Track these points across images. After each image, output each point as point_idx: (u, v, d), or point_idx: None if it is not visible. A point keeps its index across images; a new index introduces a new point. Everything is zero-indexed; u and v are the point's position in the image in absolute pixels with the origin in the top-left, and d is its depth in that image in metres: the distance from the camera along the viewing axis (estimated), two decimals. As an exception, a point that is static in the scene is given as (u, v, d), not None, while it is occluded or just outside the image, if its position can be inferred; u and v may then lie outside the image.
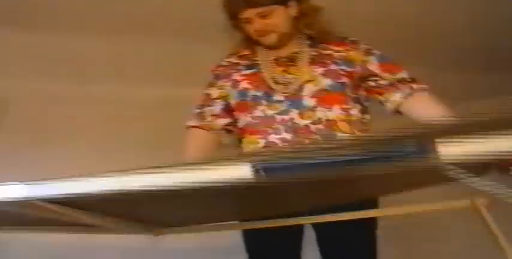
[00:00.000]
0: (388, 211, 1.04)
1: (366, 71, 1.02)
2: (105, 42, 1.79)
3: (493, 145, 0.32)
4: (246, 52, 1.10)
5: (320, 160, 0.35)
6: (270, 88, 1.01)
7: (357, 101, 1.01)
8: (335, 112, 0.96)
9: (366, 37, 1.07)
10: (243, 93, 1.03)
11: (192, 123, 1.10)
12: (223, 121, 1.08)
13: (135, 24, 1.70)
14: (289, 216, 0.85)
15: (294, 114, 0.95)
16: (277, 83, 1.01)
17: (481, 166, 0.48)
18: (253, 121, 1.00)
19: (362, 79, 1.02)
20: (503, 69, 2.18)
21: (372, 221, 0.96)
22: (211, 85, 1.14)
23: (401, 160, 0.33)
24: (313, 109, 0.95)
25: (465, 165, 0.33)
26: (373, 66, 1.02)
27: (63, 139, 1.88)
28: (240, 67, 1.08)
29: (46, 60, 1.83)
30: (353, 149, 0.34)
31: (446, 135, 0.33)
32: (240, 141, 1.06)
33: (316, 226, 0.95)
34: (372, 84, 1.02)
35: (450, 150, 0.32)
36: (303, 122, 0.95)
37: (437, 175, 0.35)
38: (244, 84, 1.04)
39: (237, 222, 1.00)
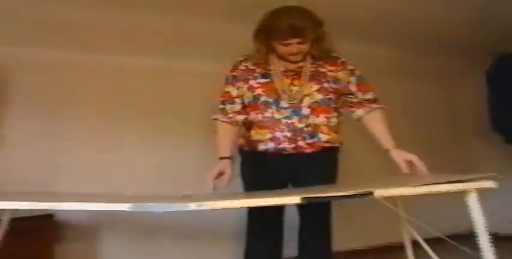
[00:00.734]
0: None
1: (347, 89, 1.40)
2: (106, 13, 1.85)
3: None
4: (261, 61, 1.38)
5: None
6: (279, 96, 1.33)
7: (336, 109, 1.38)
8: (321, 119, 1.32)
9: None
10: (257, 97, 1.34)
11: (218, 117, 1.39)
12: (242, 117, 1.38)
13: None
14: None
15: (295, 120, 1.31)
16: (284, 92, 1.33)
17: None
18: (264, 120, 1.32)
19: (342, 94, 1.41)
20: (447, 54, 2.74)
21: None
22: (231, 84, 1.41)
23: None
24: (307, 116, 1.31)
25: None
26: (353, 86, 1.40)
27: (69, 109, 2.03)
28: (256, 74, 1.38)
29: (47, 29, 1.88)
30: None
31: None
32: (248, 129, 1.38)
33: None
34: (347, 99, 1.42)
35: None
36: (300, 125, 1.30)
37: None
38: (259, 91, 1.35)
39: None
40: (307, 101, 1.31)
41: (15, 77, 1.94)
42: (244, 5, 1.83)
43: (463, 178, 0.85)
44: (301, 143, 1.30)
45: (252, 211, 1.39)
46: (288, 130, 1.29)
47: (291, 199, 0.79)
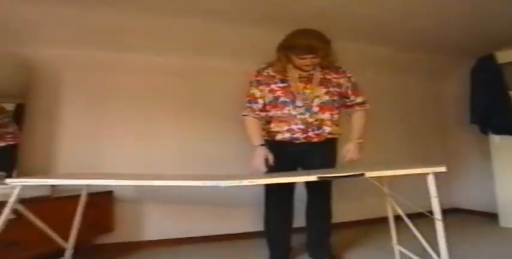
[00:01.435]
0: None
1: (346, 93, 1.81)
2: (141, 18, 2.08)
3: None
4: (281, 69, 1.75)
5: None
6: (295, 97, 1.71)
7: (337, 108, 1.78)
8: (326, 115, 1.73)
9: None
10: (277, 98, 1.72)
11: (248, 114, 1.77)
12: (263, 114, 1.77)
13: (167, 4, 1.96)
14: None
15: (307, 115, 1.70)
16: (299, 94, 1.71)
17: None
18: (282, 115, 1.71)
19: (342, 96, 1.80)
20: (436, 52, 2.96)
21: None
22: (255, 87, 1.78)
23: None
24: (316, 113, 1.71)
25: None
26: (349, 91, 1.81)
27: (111, 102, 2.28)
28: (276, 80, 1.75)
29: (91, 33, 2.12)
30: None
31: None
32: (268, 123, 1.76)
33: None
34: (344, 101, 1.83)
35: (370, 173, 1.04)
36: (310, 120, 1.70)
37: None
38: (278, 93, 1.73)
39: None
40: (317, 101, 1.70)
41: (64, 76, 2.21)
42: (261, 12, 2.10)
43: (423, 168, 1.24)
44: (310, 133, 1.69)
45: (270, 188, 1.78)
46: (302, 124, 1.68)
47: (309, 178, 1.16)
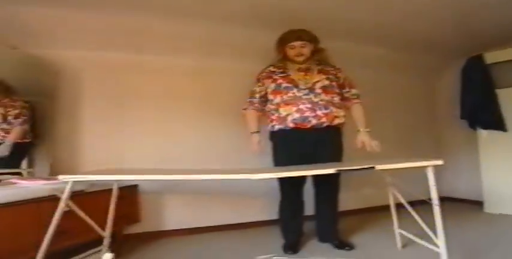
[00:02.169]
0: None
1: (342, 85, 2.02)
2: (156, 22, 2.20)
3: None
4: (280, 65, 1.98)
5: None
6: (296, 83, 1.90)
7: (338, 94, 1.97)
8: (328, 97, 1.90)
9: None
10: (279, 85, 1.93)
11: (247, 107, 2.04)
12: (260, 107, 2.03)
13: (182, 9, 2.07)
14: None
15: (312, 96, 1.87)
16: (300, 80, 1.90)
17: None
18: (288, 99, 1.88)
19: (340, 87, 2.00)
20: (428, 52, 3.14)
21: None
22: (256, 85, 2.02)
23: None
24: (320, 94, 1.88)
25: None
26: (345, 82, 2.03)
27: (129, 102, 2.39)
28: (277, 73, 1.97)
29: (109, 35, 2.21)
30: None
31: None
32: (276, 110, 1.92)
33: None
34: (342, 93, 2.02)
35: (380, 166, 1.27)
36: (316, 100, 1.87)
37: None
38: (280, 81, 1.93)
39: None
40: (318, 85, 1.90)
41: (85, 77, 2.32)
42: (268, 17, 2.24)
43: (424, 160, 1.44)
44: (319, 112, 1.85)
45: (283, 180, 1.95)
46: (308, 103, 1.85)
47: (328, 170, 1.33)
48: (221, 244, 2.18)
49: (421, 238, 1.66)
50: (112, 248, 1.66)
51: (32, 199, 1.52)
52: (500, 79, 2.81)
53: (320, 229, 2.07)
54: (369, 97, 2.19)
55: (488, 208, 2.85)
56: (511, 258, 1.69)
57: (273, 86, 1.93)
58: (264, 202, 2.60)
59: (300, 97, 1.85)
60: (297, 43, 1.89)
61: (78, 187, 1.71)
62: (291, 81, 1.89)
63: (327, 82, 1.91)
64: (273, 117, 1.93)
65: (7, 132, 1.97)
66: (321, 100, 1.85)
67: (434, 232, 1.43)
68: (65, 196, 1.34)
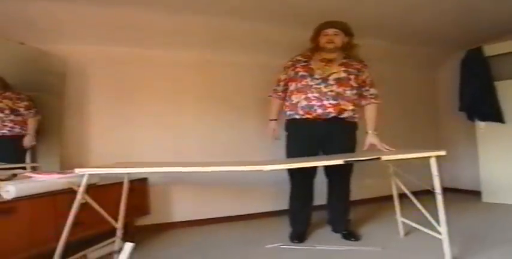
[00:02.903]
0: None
1: (363, 82, 2.00)
2: (161, 16, 2.22)
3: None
4: (307, 54, 2.02)
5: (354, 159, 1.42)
6: (312, 72, 1.93)
7: (353, 88, 1.94)
8: (340, 90, 1.90)
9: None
10: (296, 73, 1.98)
11: (271, 95, 2.12)
12: (284, 95, 2.09)
13: (188, 3, 2.10)
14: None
15: (322, 86, 1.90)
16: (318, 69, 1.93)
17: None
18: (300, 87, 1.94)
19: (359, 84, 1.98)
20: (430, 44, 3.18)
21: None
22: (282, 72, 2.08)
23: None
24: (331, 85, 1.90)
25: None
26: (367, 80, 2.01)
27: (135, 95, 2.41)
28: (300, 62, 2.01)
29: (114, 29, 2.23)
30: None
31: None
32: (290, 97, 2.00)
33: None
34: (361, 90, 2.00)
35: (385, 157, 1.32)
36: (325, 90, 1.90)
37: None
38: (299, 69, 1.98)
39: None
40: (333, 76, 1.91)
41: (91, 71, 2.33)
42: (273, 11, 2.27)
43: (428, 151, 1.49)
44: (325, 102, 1.88)
45: (294, 171, 2.00)
46: (317, 92, 1.88)
47: (337, 161, 1.38)
48: (229, 235, 2.24)
49: (422, 226, 1.73)
50: (125, 239, 1.71)
51: (49, 192, 1.57)
52: (499, 71, 2.86)
53: (332, 219, 2.14)
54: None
55: (485, 197, 2.93)
56: (506, 244, 1.76)
57: (292, 73, 2.00)
58: (270, 193, 2.66)
59: (311, 86, 1.90)
60: (331, 30, 1.92)
61: (92, 181, 1.75)
62: (308, 70, 1.94)
63: (343, 75, 1.91)
64: (287, 104, 2.02)
65: (16, 123, 1.99)
66: (331, 91, 1.87)
67: (436, 221, 1.50)
68: (81, 188, 1.38)
